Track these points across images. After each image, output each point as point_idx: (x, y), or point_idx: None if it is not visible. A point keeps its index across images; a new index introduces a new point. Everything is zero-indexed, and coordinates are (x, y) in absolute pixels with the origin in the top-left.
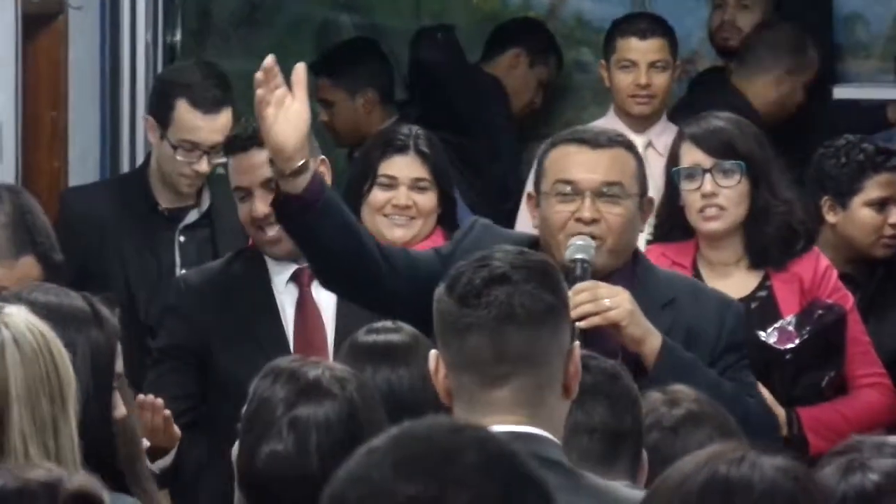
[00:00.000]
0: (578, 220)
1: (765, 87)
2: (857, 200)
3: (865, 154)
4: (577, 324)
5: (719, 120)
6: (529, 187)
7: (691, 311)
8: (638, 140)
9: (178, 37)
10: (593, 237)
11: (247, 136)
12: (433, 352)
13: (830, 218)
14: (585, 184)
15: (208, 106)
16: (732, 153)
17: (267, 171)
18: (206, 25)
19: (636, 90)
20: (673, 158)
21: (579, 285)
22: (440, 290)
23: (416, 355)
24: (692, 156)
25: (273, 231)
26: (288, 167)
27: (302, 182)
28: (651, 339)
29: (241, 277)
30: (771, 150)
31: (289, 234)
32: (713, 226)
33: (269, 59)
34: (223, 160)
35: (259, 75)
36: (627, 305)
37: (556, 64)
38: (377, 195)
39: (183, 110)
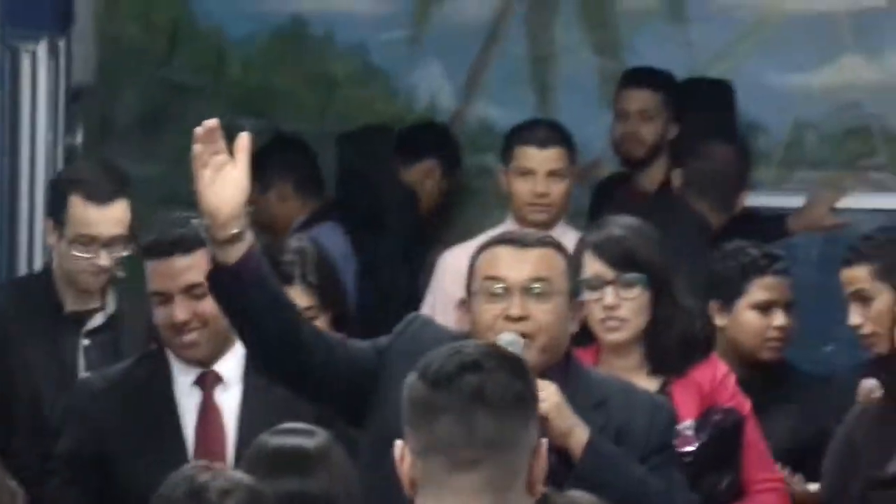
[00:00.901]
0: (507, 318)
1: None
2: (742, 303)
3: (750, 257)
4: None
5: (621, 228)
6: (432, 293)
7: (622, 411)
8: None
9: (79, 139)
10: (523, 335)
11: (169, 242)
12: (398, 442)
13: (718, 321)
14: (513, 280)
15: (102, 198)
16: (633, 265)
17: (189, 278)
18: (107, 128)
19: (534, 199)
20: (576, 266)
21: None
22: (411, 377)
23: (329, 461)
24: (594, 267)
25: (191, 336)
26: (221, 234)
27: (236, 252)
28: (578, 433)
29: (144, 381)
30: (670, 258)
31: (220, 306)
32: (614, 337)
33: (213, 121)
34: (123, 254)
35: (199, 130)
36: (555, 398)
37: (459, 173)
38: None
39: (77, 205)
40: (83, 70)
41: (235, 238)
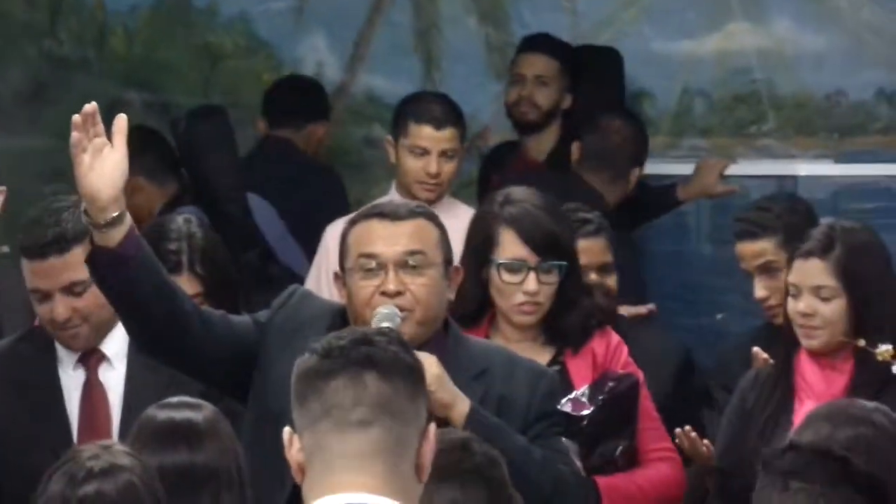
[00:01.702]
0: (383, 293)
1: (603, 185)
2: None
3: None
4: None
5: (537, 208)
6: (317, 266)
7: (503, 380)
8: None
9: None
10: (401, 310)
11: (44, 244)
12: (286, 429)
13: None
14: (387, 256)
15: None
16: (557, 252)
17: (67, 277)
18: None
19: (426, 178)
20: (486, 238)
21: None
22: (302, 357)
23: (217, 433)
24: (516, 250)
25: (73, 331)
26: (102, 218)
27: (116, 235)
28: (459, 405)
29: (28, 359)
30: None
31: (101, 288)
32: (528, 319)
33: (91, 105)
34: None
35: (77, 118)
36: (435, 370)
37: None
38: None
39: None
40: None
41: (115, 221)
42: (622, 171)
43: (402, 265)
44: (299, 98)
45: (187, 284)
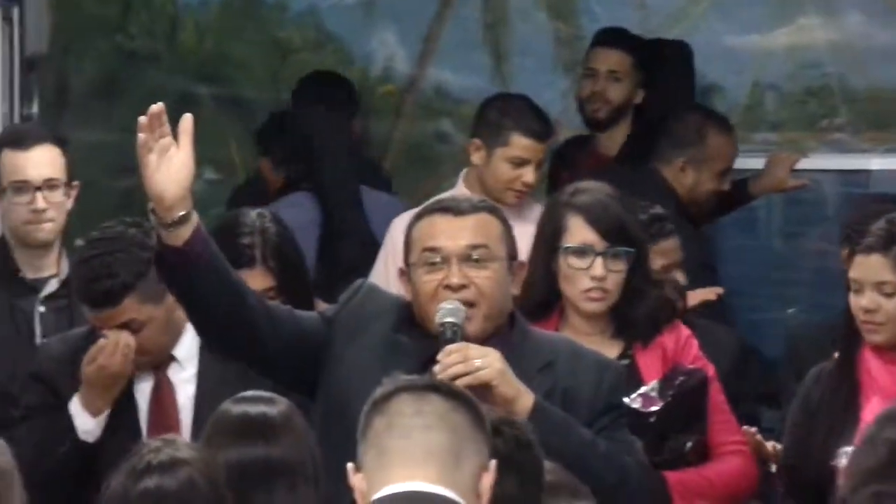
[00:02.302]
0: (447, 287)
1: (672, 177)
2: None
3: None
4: None
5: (609, 198)
6: (384, 260)
7: (569, 373)
8: None
9: (35, 109)
10: (465, 304)
11: (96, 299)
12: (349, 465)
13: None
14: (451, 249)
15: (27, 143)
16: (625, 238)
17: (121, 320)
18: (63, 97)
19: (521, 186)
20: (555, 226)
21: (449, 347)
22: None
23: (292, 427)
24: (584, 234)
25: (136, 360)
26: (168, 217)
27: (183, 234)
28: (523, 399)
29: None
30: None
31: (169, 288)
32: (595, 307)
33: (157, 106)
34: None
35: (143, 119)
36: (498, 365)
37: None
38: None
39: (7, 156)
40: (37, 39)
41: (182, 220)
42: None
43: (466, 259)
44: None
45: (260, 278)
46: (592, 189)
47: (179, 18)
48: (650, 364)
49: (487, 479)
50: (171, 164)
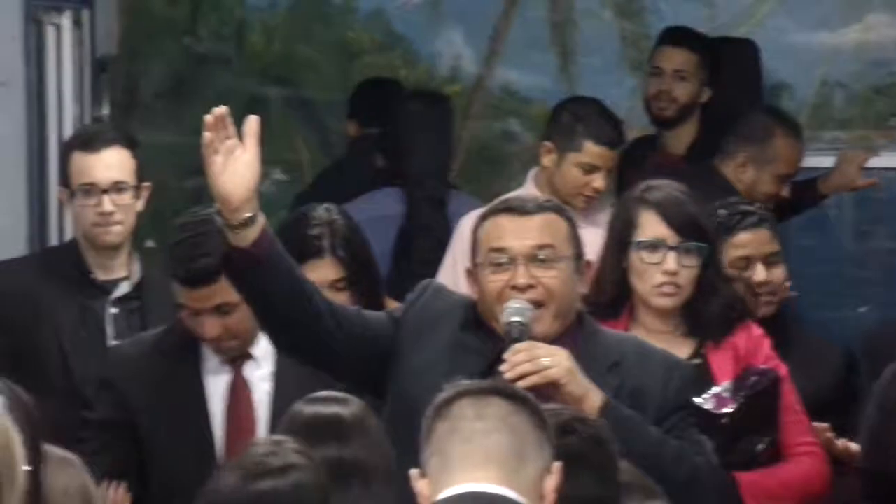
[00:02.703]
0: (514, 287)
1: (732, 173)
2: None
3: (719, 217)
4: (518, 384)
5: (681, 194)
6: (452, 257)
7: (637, 372)
8: None
9: (106, 111)
10: (534, 304)
11: (194, 275)
12: (413, 471)
13: None
14: (517, 250)
15: (96, 145)
16: (698, 233)
17: (216, 300)
18: (133, 99)
19: (592, 192)
20: (626, 222)
21: (516, 346)
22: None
23: (365, 428)
24: (656, 229)
25: (221, 345)
26: (235, 218)
27: (250, 235)
28: (591, 398)
29: (174, 353)
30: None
31: (236, 289)
32: (667, 302)
33: (221, 108)
34: (131, 202)
35: (208, 118)
36: (566, 363)
37: None
38: None
39: (76, 158)
40: (108, 42)
41: (249, 221)
42: (738, 163)
43: (532, 259)
44: (384, 97)
45: (329, 269)
46: (665, 186)
47: (248, 21)
48: (722, 364)
49: (551, 481)
50: (236, 165)
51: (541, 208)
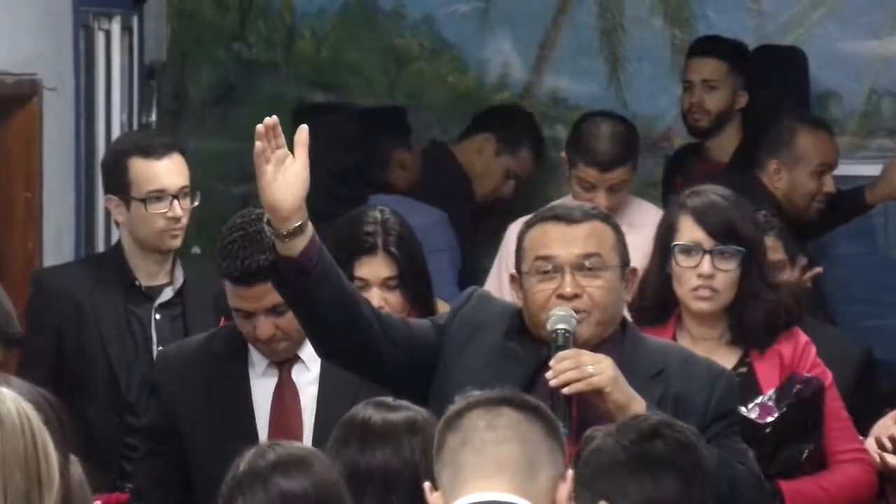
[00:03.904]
0: (560, 296)
1: (769, 183)
2: None
3: None
4: (562, 391)
5: (722, 199)
6: (499, 263)
7: (681, 380)
8: None
9: (154, 117)
10: (577, 312)
11: (251, 273)
12: (426, 484)
13: None
14: (564, 258)
15: (159, 152)
16: (734, 237)
17: (270, 300)
18: (181, 105)
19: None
20: (668, 227)
21: (561, 353)
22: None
23: (420, 433)
24: (692, 233)
25: (274, 346)
26: (284, 227)
27: (299, 245)
28: (635, 405)
29: (220, 358)
30: (762, 234)
31: (284, 298)
32: (703, 306)
33: (272, 118)
34: (194, 204)
35: (260, 128)
36: (611, 372)
37: (529, 157)
38: None
39: (138, 165)
40: (156, 48)
41: (298, 231)
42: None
43: (579, 268)
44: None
45: (382, 265)
46: (706, 191)
47: (297, 27)
48: (768, 372)
49: (564, 489)
50: (286, 175)
51: (587, 216)
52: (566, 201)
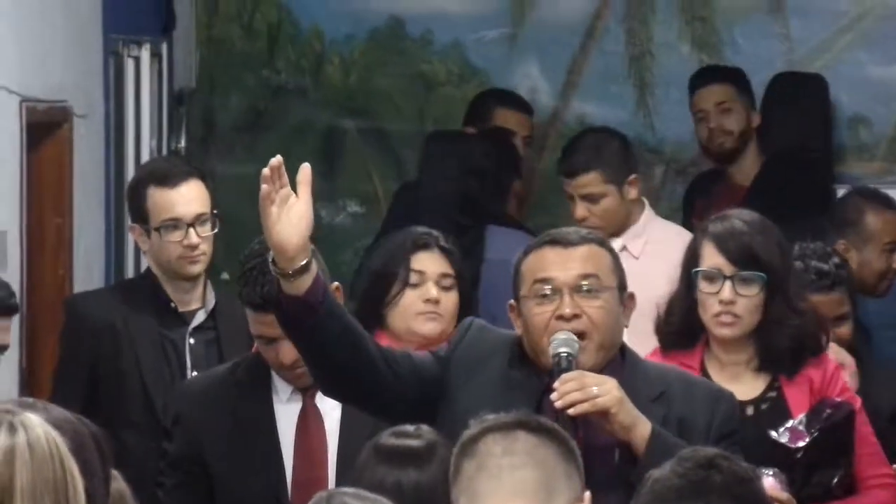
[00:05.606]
0: (560, 317)
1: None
2: None
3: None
4: (567, 412)
5: (743, 223)
6: None
7: (682, 402)
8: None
9: (183, 143)
10: (578, 335)
11: (271, 299)
12: None
13: None
14: (562, 280)
15: (175, 180)
16: (754, 263)
17: None
18: (210, 131)
19: (578, 221)
20: (692, 254)
21: (566, 375)
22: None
23: (437, 456)
24: (713, 259)
25: (299, 371)
26: (289, 266)
27: (304, 283)
28: (640, 427)
29: (244, 387)
30: (790, 259)
31: (289, 337)
32: (726, 332)
33: (277, 159)
34: (213, 231)
35: (265, 171)
36: (616, 392)
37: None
38: (408, 294)
39: (154, 194)
40: (185, 74)
41: (303, 269)
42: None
43: (577, 289)
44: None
45: (437, 261)
46: (730, 216)
47: (325, 53)
48: (798, 397)
49: None
50: (290, 214)
51: (584, 240)
52: (565, 228)
